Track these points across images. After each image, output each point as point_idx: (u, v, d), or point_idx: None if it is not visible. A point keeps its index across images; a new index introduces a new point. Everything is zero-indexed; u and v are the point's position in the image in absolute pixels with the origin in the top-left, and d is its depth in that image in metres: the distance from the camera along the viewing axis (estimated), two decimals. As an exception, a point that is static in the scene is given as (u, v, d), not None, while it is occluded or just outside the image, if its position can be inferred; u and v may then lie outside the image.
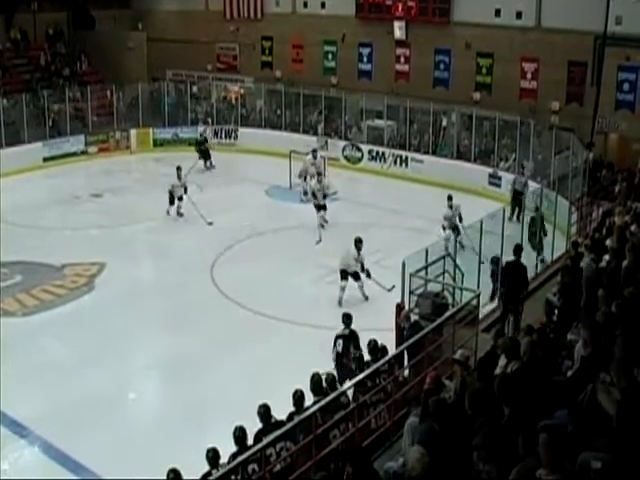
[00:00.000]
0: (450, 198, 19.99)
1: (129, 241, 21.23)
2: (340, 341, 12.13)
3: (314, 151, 25.33)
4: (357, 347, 11.89)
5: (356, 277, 17.10)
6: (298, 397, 9.22)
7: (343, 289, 16.93)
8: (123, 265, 18.91)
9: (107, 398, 13.33)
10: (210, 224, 20.88)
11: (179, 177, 23.28)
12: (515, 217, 20.01)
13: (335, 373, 10.68)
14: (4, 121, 29.80)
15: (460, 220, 19.19)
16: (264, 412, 8.93)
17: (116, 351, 14.93)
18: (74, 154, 30.75)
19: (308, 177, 24.63)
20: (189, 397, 13.38)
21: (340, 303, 16.65)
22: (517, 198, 21.36)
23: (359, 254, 17.10)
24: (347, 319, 12.42)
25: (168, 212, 23.05)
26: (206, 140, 28.63)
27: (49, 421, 12.61)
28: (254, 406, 9.13)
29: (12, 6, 35.11)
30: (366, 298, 17.00)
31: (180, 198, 23.03)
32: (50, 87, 33.07)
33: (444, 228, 19.33)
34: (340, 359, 11.98)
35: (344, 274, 17.02)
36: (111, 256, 19.69)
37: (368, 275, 17.10)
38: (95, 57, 36.70)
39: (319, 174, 23.65)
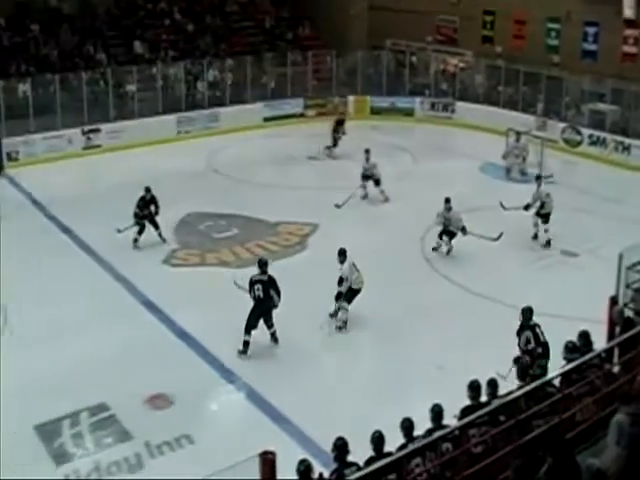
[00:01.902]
0: None
1: (343, 206, 21.60)
2: (259, 286, 14.02)
3: (518, 133, 24.84)
4: (277, 291, 14.05)
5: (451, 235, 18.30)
6: (493, 385, 9.19)
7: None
8: (336, 228, 19.33)
9: (310, 353, 14.02)
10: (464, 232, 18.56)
11: (367, 160, 22.60)
12: None
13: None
14: (230, 80, 31.12)
15: None
16: (475, 388, 8.97)
17: (322, 309, 15.43)
18: (293, 116, 31.75)
19: (513, 158, 24.35)
20: (386, 361, 13.73)
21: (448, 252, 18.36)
22: None
23: (449, 211, 18.06)
24: (264, 265, 14.29)
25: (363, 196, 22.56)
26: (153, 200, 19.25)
27: (256, 370, 13.40)
28: (452, 382, 9.19)
29: (241, -30, 36.37)
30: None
31: (377, 182, 22.39)
32: (273, 50, 34.09)
33: None
34: (261, 302, 13.99)
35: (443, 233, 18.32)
36: (324, 218, 20.19)
37: (464, 232, 18.13)
38: (317, 23, 37.41)
39: (523, 158, 23.84)
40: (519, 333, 12.38)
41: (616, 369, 10.08)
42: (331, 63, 34.01)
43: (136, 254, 18.16)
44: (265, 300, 14.13)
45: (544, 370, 9.75)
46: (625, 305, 12.03)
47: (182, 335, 14.60)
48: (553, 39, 30.93)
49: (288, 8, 38.23)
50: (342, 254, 15.10)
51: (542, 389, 8.94)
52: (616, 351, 10.38)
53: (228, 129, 29.52)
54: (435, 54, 34.76)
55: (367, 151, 22.78)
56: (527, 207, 19.61)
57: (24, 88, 26.99)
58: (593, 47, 29.62)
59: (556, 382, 9.41)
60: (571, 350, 10.06)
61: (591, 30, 29.51)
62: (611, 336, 11.10)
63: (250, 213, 21.02)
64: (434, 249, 18.54)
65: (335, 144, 26.74)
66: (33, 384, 12.72)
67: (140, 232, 18.95)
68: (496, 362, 10.25)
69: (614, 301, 12.15)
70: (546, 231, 19.42)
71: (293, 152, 26.90)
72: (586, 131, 27.89)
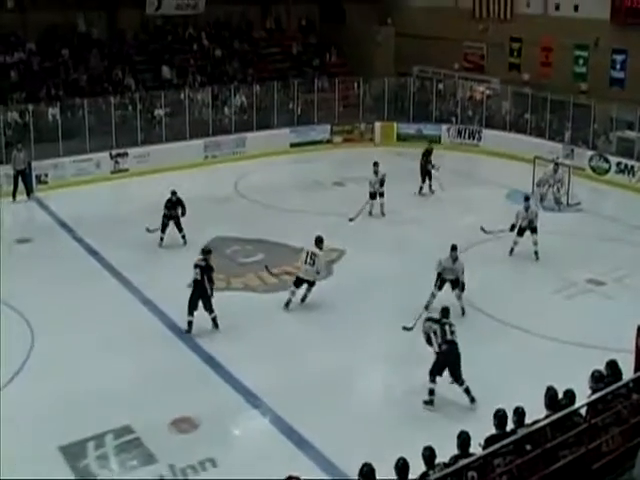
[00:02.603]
0: None
1: (368, 231, 21.69)
2: (198, 270, 15.55)
3: (556, 164, 24.65)
4: (210, 279, 15.55)
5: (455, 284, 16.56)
6: (520, 413, 9.13)
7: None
8: (362, 254, 19.33)
9: (336, 380, 13.85)
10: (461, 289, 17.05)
11: (376, 173, 23.18)
12: None
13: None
14: (257, 106, 31.36)
15: None
16: (501, 416, 8.92)
17: (347, 337, 15.44)
18: (319, 142, 31.96)
19: (547, 187, 24.30)
20: (413, 391, 13.53)
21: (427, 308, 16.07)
22: None
23: (454, 262, 16.41)
24: (207, 253, 16.00)
25: (370, 212, 23.19)
26: (180, 203, 20.83)
27: (280, 395, 13.27)
28: (480, 409, 9.14)
29: (269, -2, 36.77)
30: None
31: (380, 195, 23.06)
32: (300, 76, 34.34)
33: None
34: (198, 285, 15.53)
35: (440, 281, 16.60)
36: (351, 244, 20.20)
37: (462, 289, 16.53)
38: (344, 49, 37.76)
39: (558, 188, 23.95)
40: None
41: (643, 399, 9.98)
42: (358, 90, 34.24)
43: (163, 278, 18.21)
44: (202, 283, 15.51)
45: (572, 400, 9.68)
46: (652, 334, 11.96)
47: (208, 359, 14.62)
48: (581, 66, 30.91)
49: (315, 35, 38.56)
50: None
51: (569, 419, 8.87)
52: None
53: (255, 154, 29.72)
54: (462, 81, 34.91)
55: (376, 164, 23.43)
56: (513, 227, 19.78)
57: (53, 112, 27.35)
58: (621, 74, 29.55)
59: (583, 412, 9.35)
60: (597, 379, 9.97)
61: (619, 57, 29.45)
62: (639, 366, 11.01)
63: (276, 238, 21.07)
64: (426, 307, 16.28)
65: (428, 177, 25.66)
66: (59, 406, 12.77)
67: (163, 230, 20.55)
68: (527, 391, 10.15)
69: (642, 330, 12.07)
70: (535, 243, 19.66)
71: (319, 178, 26.97)
72: (614, 159, 27.78)
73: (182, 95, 30.43)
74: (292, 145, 31.48)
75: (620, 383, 9.71)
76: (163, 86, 31.20)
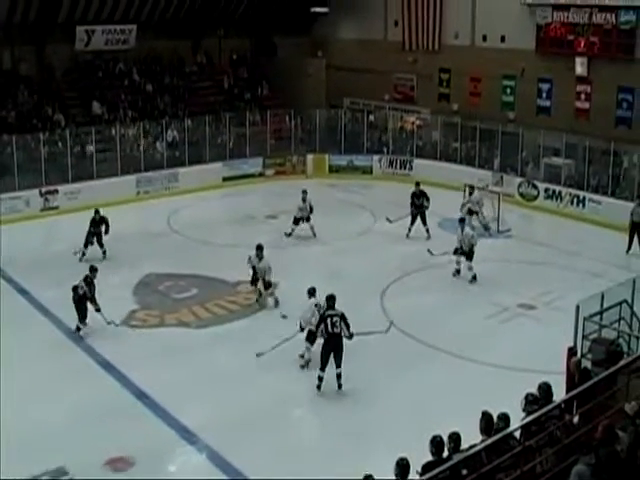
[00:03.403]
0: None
1: (302, 263, 21.74)
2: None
3: (471, 187, 25.16)
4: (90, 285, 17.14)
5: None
6: (455, 439, 9.16)
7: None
8: (295, 286, 19.32)
9: (272, 413, 13.76)
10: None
11: (303, 200, 24.04)
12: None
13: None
14: (188, 140, 31.26)
15: None
16: (438, 442, 8.93)
17: (283, 369, 15.35)
18: (252, 175, 31.87)
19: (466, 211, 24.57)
20: (352, 420, 13.63)
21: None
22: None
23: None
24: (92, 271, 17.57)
25: (289, 234, 23.97)
26: (103, 221, 22.21)
27: (216, 430, 13.14)
28: (414, 436, 9.14)
29: (200, 32, 36.83)
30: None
31: (307, 219, 23.95)
32: (232, 110, 34.35)
33: None
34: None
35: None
36: (284, 276, 20.15)
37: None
38: (275, 82, 37.95)
39: (476, 212, 24.38)
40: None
41: (576, 419, 10.09)
42: (289, 122, 34.35)
43: (94, 315, 17.91)
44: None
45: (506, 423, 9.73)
46: (583, 356, 12.15)
47: (141, 396, 14.39)
48: (508, 96, 31.54)
49: (246, 68, 38.67)
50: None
51: (504, 442, 8.91)
52: (575, 401, 10.42)
53: (187, 189, 29.55)
54: (392, 112, 35.25)
55: (304, 192, 24.22)
56: (456, 251, 20.43)
57: (-20, 149, 26.88)
58: (547, 103, 30.22)
59: (517, 435, 9.40)
60: (531, 402, 10.05)
61: (545, 86, 30.14)
62: (570, 387, 11.14)
63: (210, 273, 20.94)
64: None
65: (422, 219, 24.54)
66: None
67: (85, 245, 21.72)
68: (460, 415, 10.17)
69: (572, 352, 12.26)
70: (470, 268, 20.35)
71: (252, 211, 26.93)
72: (542, 185, 28.33)
73: (113, 131, 30.19)
74: (225, 179, 31.40)
75: (552, 405, 9.81)
76: (94, 122, 30.93)
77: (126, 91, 33.75)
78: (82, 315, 17.24)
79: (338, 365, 14.57)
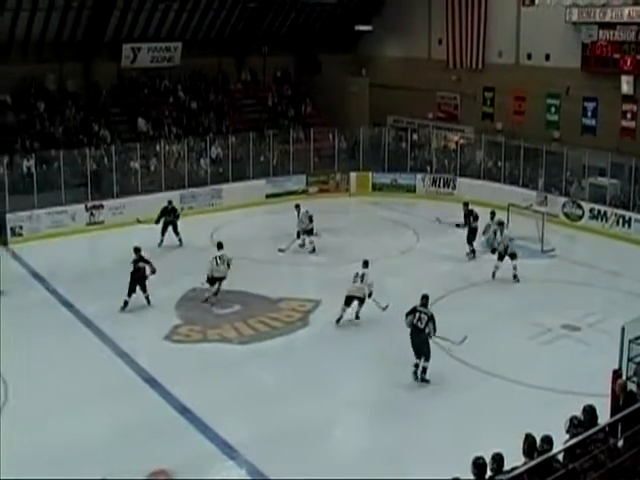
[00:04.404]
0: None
1: (344, 281, 21.65)
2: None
3: (492, 212, 24.30)
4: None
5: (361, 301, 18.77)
6: (498, 459, 9.08)
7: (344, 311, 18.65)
8: (338, 303, 19.34)
9: (313, 430, 13.77)
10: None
11: (298, 214, 24.76)
12: None
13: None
14: (232, 157, 31.47)
15: None
16: (480, 464, 8.86)
17: (323, 386, 15.39)
18: (295, 192, 31.91)
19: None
20: (392, 439, 13.54)
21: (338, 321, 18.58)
22: None
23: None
24: (138, 251, 19.68)
25: (283, 250, 24.46)
26: (174, 211, 25.70)
27: (256, 446, 13.16)
28: (455, 456, 9.09)
29: (244, 50, 37.23)
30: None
31: (310, 232, 24.53)
32: (275, 127, 34.59)
33: None
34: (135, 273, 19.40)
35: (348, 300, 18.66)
36: (326, 294, 20.21)
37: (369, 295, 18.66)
38: (319, 100, 38.14)
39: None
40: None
41: (620, 443, 9.96)
42: (333, 140, 34.42)
43: (138, 330, 18.09)
44: (138, 271, 19.32)
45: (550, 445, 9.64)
46: (628, 378, 11.98)
47: (183, 411, 14.46)
48: (553, 114, 31.37)
49: (290, 86, 38.91)
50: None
51: (548, 464, 8.82)
52: (620, 425, 10.29)
53: (231, 205, 29.76)
54: (436, 130, 35.20)
55: (297, 206, 25.08)
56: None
57: (28, 164, 27.31)
58: (592, 122, 30.01)
59: (560, 457, 9.30)
60: (575, 425, 9.96)
61: (590, 105, 29.93)
62: (615, 410, 11.01)
63: (252, 289, 21.04)
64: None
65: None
66: (33, 461, 12.56)
67: (162, 233, 24.87)
68: (503, 437, 10.09)
69: (617, 374, 12.10)
70: (514, 267, 21.54)
71: (294, 229, 26.90)
72: (587, 205, 28.06)
73: (158, 147, 30.51)
74: (268, 196, 31.57)
75: (596, 428, 9.70)
76: (139, 138, 31.30)
77: (171, 108, 34.13)
78: (132, 290, 19.43)
79: (417, 358, 15.68)
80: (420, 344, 15.63)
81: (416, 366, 15.68)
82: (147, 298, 19.86)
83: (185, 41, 34.37)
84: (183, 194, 29.62)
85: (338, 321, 18.59)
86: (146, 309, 19.39)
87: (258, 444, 13.19)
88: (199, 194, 30.00)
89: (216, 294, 20.22)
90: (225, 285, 21.12)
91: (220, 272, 20.31)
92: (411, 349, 15.77)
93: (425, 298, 15.98)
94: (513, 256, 21.65)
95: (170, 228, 25.12)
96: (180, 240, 25.13)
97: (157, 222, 25.12)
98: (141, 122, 32.53)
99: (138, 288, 19.68)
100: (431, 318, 15.57)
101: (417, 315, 15.63)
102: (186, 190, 29.82)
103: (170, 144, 31.37)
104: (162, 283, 20.72)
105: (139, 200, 28.30)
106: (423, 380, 15.62)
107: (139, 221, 25.36)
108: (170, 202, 25.58)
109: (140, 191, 29.01)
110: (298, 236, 24.66)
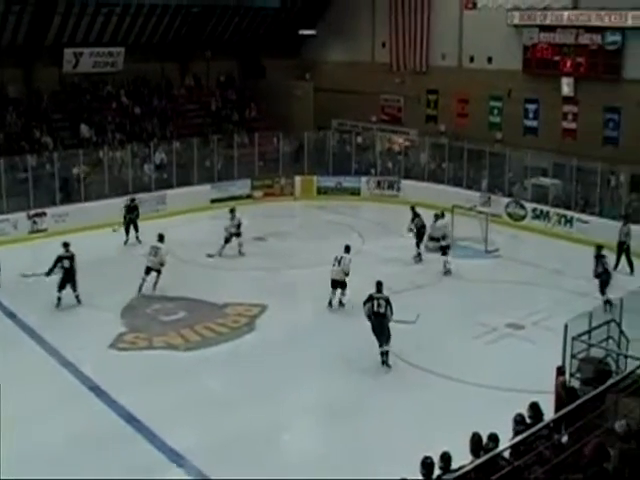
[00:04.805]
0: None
1: (290, 285, 21.73)
2: (66, 260, 19.61)
3: (442, 214, 24.39)
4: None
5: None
6: (446, 458, 9.16)
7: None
8: (284, 308, 19.31)
9: (262, 436, 13.67)
10: None
11: (232, 218, 24.75)
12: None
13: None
14: (176, 162, 31.25)
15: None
16: (429, 464, 8.92)
17: (273, 391, 15.29)
18: (240, 197, 31.78)
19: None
20: (344, 442, 13.54)
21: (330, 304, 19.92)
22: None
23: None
24: (67, 246, 20.05)
25: (219, 254, 24.51)
26: (136, 208, 26.79)
27: (204, 453, 13.05)
28: (405, 457, 9.13)
29: (188, 54, 37.07)
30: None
31: (237, 235, 24.63)
32: (220, 132, 34.42)
33: None
34: (68, 272, 19.77)
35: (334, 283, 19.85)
36: (272, 298, 20.18)
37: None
38: (263, 104, 38.06)
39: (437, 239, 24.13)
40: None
41: (565, 439, 10.09)
42: (277, 144, 34.36)
43: (83, 339, 17.84)
44: (71, 270, 19.47)
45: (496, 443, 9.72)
46: (572, 375, 12.16)
47: (130, 419, 14.29)
48: (495, 116, 31.79)
49: (234, 90, 38.79)
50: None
51: (494, 462, 8.89)
52: (564, 421, 10.40)
53: (175, 211, 29.52)
54: (380, 133, 35.36)
55: (232, 210, 25.07)
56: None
57: (-33, 172, 26.80)
58: (534, 123, 30.46)
59: (507, 454, 9.39)
60: (519, 422, 10.08)
61: (531, 107, 30.39)
62: (558, 407, 11.14)
63: (198, 295, 20.88)
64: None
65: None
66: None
67: (127, 232, 25.82)
68: (451, 436, 10.14)
69: (560, 371, 12.26)
70: (445, 262, 22.73)
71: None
72: (529, 205, 28.43)
73: (101, 154, 30.17)
74: (212, 201, 31.34)
75: (541, 424, 9.81)
76: (81, 144, 30.90)
77: (114, 114, 33.78)
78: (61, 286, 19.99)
79: (380, 344, 16.43)
80: (382, 329, 16.43)
81: (381, 354, 16.40)
82: (77, 297, 20.00)
83: (128, 46, 34.03)
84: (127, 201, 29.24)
85: (330, 304, 19.88)
86: (90, 317, 19.12)
87: (206, 451, 13.10)
88: (143, 200, 29.54)
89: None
90: (171, 291, 21.00)
91: (150, 262, 20.97)
92: (355, 352, 16.25)
93: (379, 284, 16.83)
94: (445, 251, 22.62)
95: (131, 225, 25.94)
96: (138, 238, 25.78)
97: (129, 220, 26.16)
98: (84, 128, 32.12)
99: (69, 286, 19.83)
100: (388, 301, 16.51)
101: (375, 302, 16.48)
102: (130, 197, 29.42)
103: (113, 150, 31.01)
104: (107, 291, 20.55)
105: (82, 207, 27.93)
106: (386, 364, 16.39)
107: (114, 230, 26.12)
108: (133, 199, 26.47)
109: (83, 198, 28.60)
110: (227, 241, 24.64)
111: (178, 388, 15.36)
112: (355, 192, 32.98)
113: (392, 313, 16.57)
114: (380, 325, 16.47)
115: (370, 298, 16.63)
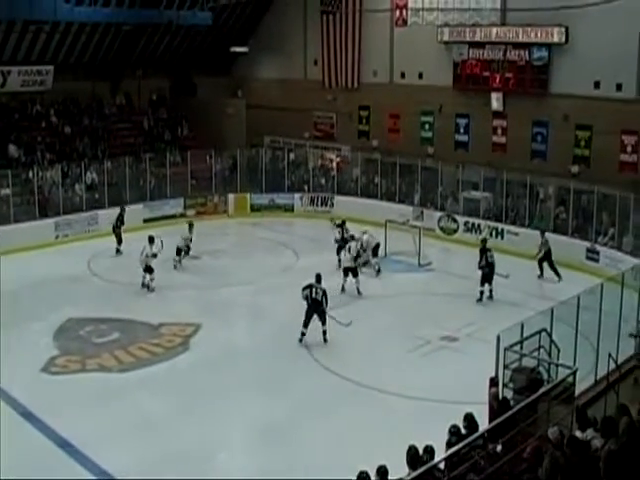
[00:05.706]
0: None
1: (225, 303, 21.62)
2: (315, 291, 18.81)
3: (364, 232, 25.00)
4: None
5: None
6: (382, 472, 9.17)
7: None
8: (218, 327, 19.20)
9: (196, 457, 13.53)
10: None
11: (190, 231, 25.64)
12: None
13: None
14: (108, 182, 30.87)
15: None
16: (364, 478, 8.91)
17: (208, 412, 15.14)
18: (173, 216, 31.53)
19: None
20: (278, 461, 13.44)
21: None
22: None
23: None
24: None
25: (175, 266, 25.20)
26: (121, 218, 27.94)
27: (138, 475, 12.81)
28: (342, 473, 9.11)
29: (119, 73, 36.71)
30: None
31: (187, 251, 25.54)
32: (152, 150, 34.21)
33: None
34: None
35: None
36: (207, 317, 20.08)
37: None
38: (195, 122, 37.91)
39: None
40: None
41: (499, 448, 10.19)
42: (210, 162, 34.19)
43: (14, 364, 17.45)
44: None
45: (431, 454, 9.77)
46: (505, 385, 12.28)
47: (63, 444, 14.02)
48: (427, 131, 32.14)
49: (166, 109, 38.54)
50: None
51: (430, 474, 8.93)
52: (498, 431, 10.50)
53: (108, 231, 29.02)
54: (313, 150, 35.48)
55: (191, 225, 25.89)
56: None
57: None
58: (465, 138, 30.86)
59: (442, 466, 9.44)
60: (454, 433, 10.15)
61: (462, 122, 30.81)
62: (492, 417, 11.25)
63: (132, 316, 20.64)
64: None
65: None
66: None
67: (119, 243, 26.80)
68: (387, 450, 10.15)
69: (493, 382, 12.38)
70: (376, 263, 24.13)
71: (174, 252, 26.62)
72: (461, 219, 28.76)
73: (30, 174, 29.68)
74: (145, 220, 30.96)
75: (474, 435, 9.89)
76: (10, 165, 30.33)
77: (43, 133, 33.31)
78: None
79: (323, 323, 18.49)
80: (319, 312, 18.46)
81: (303, 334, 18.34)
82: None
83: (57, 64, 33.47)
84: (58, 222, 28.79)
85: (342, 290, 21.99)
86: (22, 341, 18.73)
87: (141, 472, 12.86)
88: (75, 221, 29.23)
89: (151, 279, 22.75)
90: (104, 312, 20.71)
91: (140, 261, 22.83)
92: (290, 370, 16.67)
93: (318, 276, 18.71)
94: (355, 273, 22.44)
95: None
96: (118, 249, 26.87)
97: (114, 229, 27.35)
98: (12, 148, 31.57)
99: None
100: (324, 293, 18.42)
101: (314, 290, 18.39)
102: (61, 217, 29.01)
103: (43, 170, 30.51)
104: (39, 314, 20.16)
105: (11, 229, 27.33)
106: (326, 341, 18.37)
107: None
108: (122, 208, 27.69)
109: (12, 220, 28.04)
110: (178, 253, 25.27)
111: (112, 410, 15.13)
112: (289, 209, 33.03)
113: (327, 304, 18.41)
114: (315, 310, 18.41)
115: (309, 286, 18.46)
